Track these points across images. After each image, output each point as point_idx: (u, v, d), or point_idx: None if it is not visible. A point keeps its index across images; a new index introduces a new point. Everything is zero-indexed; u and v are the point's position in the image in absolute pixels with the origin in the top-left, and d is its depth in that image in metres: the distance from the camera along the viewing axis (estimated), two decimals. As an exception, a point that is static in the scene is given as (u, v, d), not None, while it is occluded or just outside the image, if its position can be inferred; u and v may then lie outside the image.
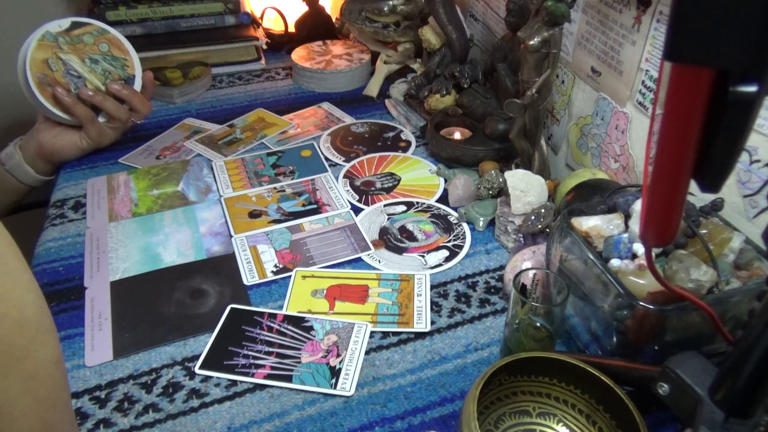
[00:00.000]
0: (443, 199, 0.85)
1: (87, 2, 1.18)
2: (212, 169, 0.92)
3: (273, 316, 0.66)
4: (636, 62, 0.70)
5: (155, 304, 0.68)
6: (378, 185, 0.88)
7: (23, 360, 0.36)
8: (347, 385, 0.59)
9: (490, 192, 0.81)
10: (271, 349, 0.62)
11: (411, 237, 0.78)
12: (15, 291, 0.35)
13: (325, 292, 0.70)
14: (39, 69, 0.84)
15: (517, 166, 0.84)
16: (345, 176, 0.90)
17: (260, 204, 0.84)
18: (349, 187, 0.88)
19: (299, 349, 0.62)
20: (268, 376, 0.59)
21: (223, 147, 0.97)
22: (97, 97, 0.87)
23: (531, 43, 0.71)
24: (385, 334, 0.65)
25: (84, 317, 0.66)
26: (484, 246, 0.77)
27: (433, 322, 0.66)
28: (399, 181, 0.89)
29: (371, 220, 0.81)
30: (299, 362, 0.61)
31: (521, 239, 0.74)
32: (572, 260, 0.59)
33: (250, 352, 0.62)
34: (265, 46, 1.24)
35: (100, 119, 0.89)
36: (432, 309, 0.68)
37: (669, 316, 0.51)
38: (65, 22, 0.86)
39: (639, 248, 0.55)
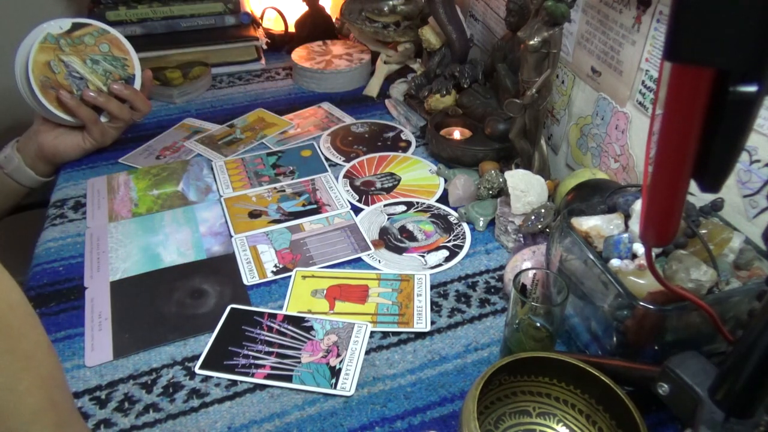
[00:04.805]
0: (443, 199, 0.85)
1: (87, 2, 1.18)
2: (212, 169, 0.92)
3: (273, 316, 0.66)
4: (636, 62, 0.70)
5: (155, 304, 0.68)
6: (378, 185, 0.88)
7: (20, 339, 0.37)
8: (347, 385, 0.59)
9: (490, 192, 0.81)
10: (271, 349, 0.62)
11: (411, 237, 0.78)
12: None
13: (325, 292, 0.70)
14: (41, 72, 0.84)
15: (517, 166, 0.84)
16: (345, 176, 0.90)
17: (260, 204, 0.84)
18: (349, 187, 0.88)
19: (299, 349, 0.62)
20: (268, 376, 0.59)
21: (223, 147, 0.97)
22: (100, 99, 0.87)
23: (531, 43, 0.71)
24: (385, 334, 0.65)
25: (84, 317, 0.66)
26: (484, 246, 0.77)
27: (433, 322, 0.66)
28: (399, 181, 0.89)
29: (371, 220, 0.81)
30: (299, 362, 0.61)
31: (521, 239, 0.74)
32: (572, 260, 0.59)
33: (250, 352, 0.62)
34: (265, 46, 1.24)
35: (102, 119, 0.90)
36: (432, 309, 0.68)
37: (669, 316, 0.51)
38: (66, 23, 0.86)
39: (639, 248, 0.55)
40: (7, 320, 0.36)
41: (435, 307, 0.68)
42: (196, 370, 0.61)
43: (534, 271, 0.58)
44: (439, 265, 0.74)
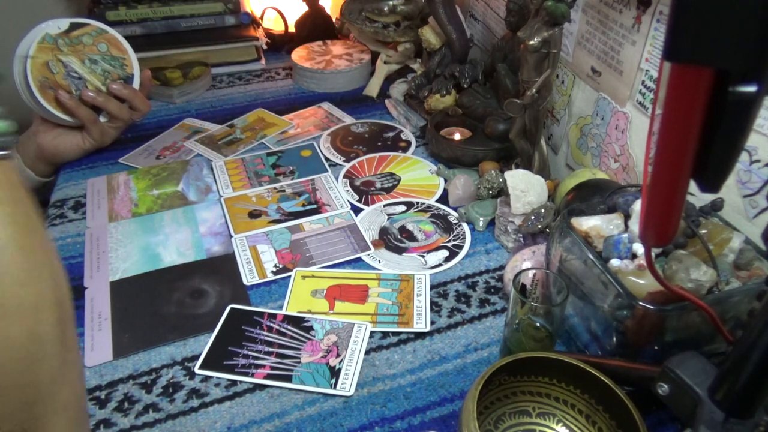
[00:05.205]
0: (443, 199, 0.85)
1: (87, 2, 1.18)
2: (212, 169, 0.92)
3: (273, 316, 0.66)
4: (636, 62, 0.70)
5: (155, 304, 0.68)
6: (378, 185, 0.88)
7: (71, 330, 0.37)
8: (347, 385, 0.59)
9: (490, 192, 0.81)
10: (270, 349, 0.62)
11: (411, 237, 0.78)
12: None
13: (324, 292, 0.70)
14: (40, 72, 0.83)
15: (517, 166, 0.84)
16: (345, 176, 0.90)
17: (260, 204, 0.84)
18: (349, 187, 0.88)
19: (299, 349, 0.62)
20: (268, 376, 0.59)
21: (223, 147, 0.97)
22: (99, 99, 0.87)
23: (531, 43, 0.71)
24: (385, 334, 0.65)
25: (84, 317, 0.66)
26: (484, 246, 0.77)
27: (433, 322, 0.66)
28: (399, 181, 0.89)
29: (371, 220, 0.81)
30: (299, 362, 0.61)
31: (521, 239, 0.74)
32: (572, 260, 0.59)
33: (250, 352, 0.62)
34: (265, 46, 1.24)
35: (101, 119, 0.89)
36: (432, 309, 0.68)
37: (669, 316, 0.51)
38: (64, 23, 0.86)
39: (639, 248, 0.55)
40: (69, 310, 0.36)
41: (435, 307, 0.68)
42: (196, 370, 0.61)
43: (534, 271, 0.58)
44: (439, 265, 0.74)
